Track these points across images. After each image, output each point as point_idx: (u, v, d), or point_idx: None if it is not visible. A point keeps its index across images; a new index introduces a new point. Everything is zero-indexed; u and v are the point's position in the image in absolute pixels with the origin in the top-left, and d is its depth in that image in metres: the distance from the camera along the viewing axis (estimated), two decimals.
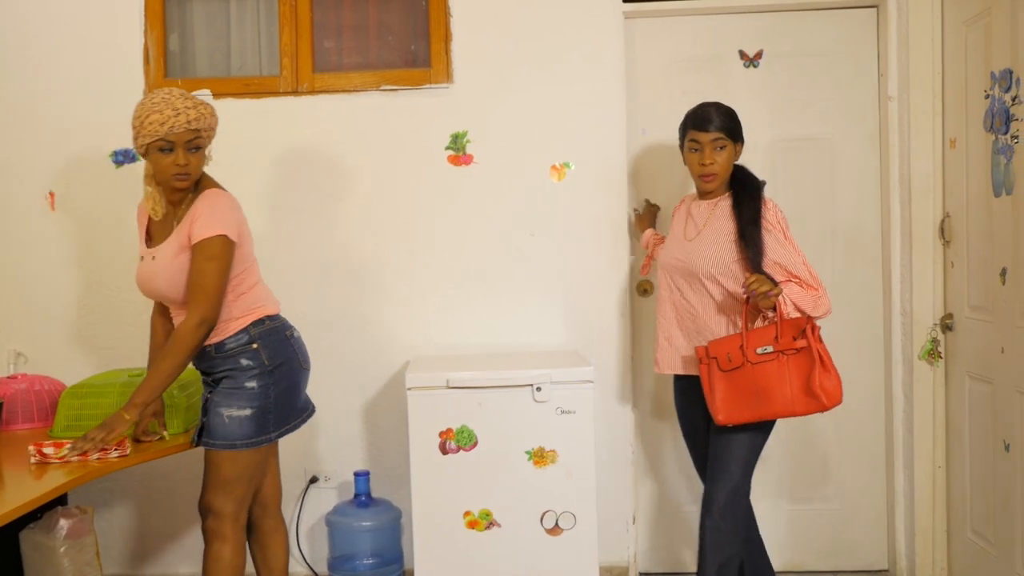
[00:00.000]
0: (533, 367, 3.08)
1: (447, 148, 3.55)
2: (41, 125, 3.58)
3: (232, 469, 2.66)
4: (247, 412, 2.65)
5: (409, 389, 3.04)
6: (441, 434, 3.03)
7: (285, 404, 2.73)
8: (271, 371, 2.68)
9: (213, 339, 2.66)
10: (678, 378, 3.04)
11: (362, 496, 3.38)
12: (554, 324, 3.56)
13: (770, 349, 2.71)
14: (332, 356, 3.55)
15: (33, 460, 2.60)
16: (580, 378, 3.05)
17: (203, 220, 2.59)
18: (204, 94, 3.51)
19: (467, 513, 3.05)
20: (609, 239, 3.53)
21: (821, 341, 2.71)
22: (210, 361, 2.70)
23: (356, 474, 3.40)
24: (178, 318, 2.71)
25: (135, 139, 2.63)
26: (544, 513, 3.05)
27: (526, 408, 3.03)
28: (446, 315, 3.57)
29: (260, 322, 2.71)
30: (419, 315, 3.57)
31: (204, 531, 2.73)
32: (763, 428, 2.83)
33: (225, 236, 2.59)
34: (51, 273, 3.60)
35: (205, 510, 2.71)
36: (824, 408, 2.69)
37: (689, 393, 2.97)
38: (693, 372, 2.91)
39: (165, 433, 2.82)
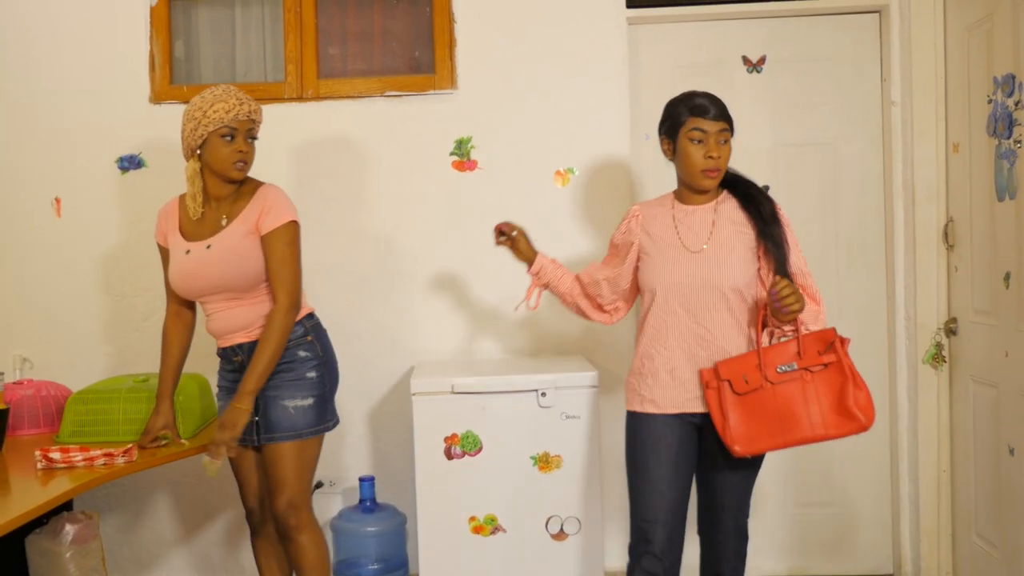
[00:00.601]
0: (538, 372, 3.09)
1: (451, 154, 3.56)
2: (47, 131, 3.60)
3: (300, 459, 2.72)
4: (310, 401, 2.73)
5: (414, 394, 3.04)
6: (446, 439, 3.04)
7: (333, 397, 2.83)
8: (325, 362, 2.79)
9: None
10: (668, 416, 2.57)
11: (367, 501, 3.38)
12: (558, 329, 3.56)
13: (794, 367, 2.40)
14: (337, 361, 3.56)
15: (40, 466, 2.61)
16: (585, 383, 3.05)
17: (276, 209, 2.70)
18: None
19: (472, 518, 3.05)
20: None
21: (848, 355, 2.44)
22: None
23: (361, 479, 3.40)
24: (235, 308, 2.71)
25: (193, 131, 2.66)
26: (549, 518, 3.06)
27: (531, 413, 3.03)
28: (450, 320, 3.58)
29: (310, 316, 2.81)
30: (423, 320, 3.58)
31: (286, 529, 2.75)
32: (759, 463, 2.61)
33: (296, 222, 2.73)
34: (57, 279, 3.61)
35: (286, 507, 2.72)
36: (863, 428, 2.38)
37: (687, 431, 2.56)
38: (701, 408, 2.52)
39: (184, 442, 2.84)
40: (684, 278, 2.52)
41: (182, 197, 2.81)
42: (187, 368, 2.94)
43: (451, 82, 3.56)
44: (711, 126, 2.52)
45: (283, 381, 2.71)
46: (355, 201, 3.58)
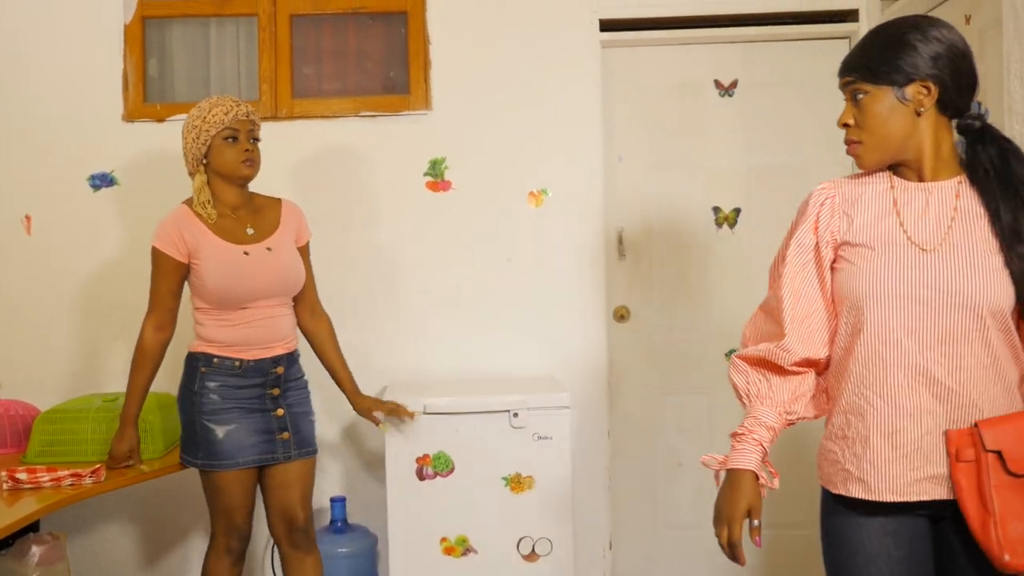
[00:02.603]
0: (510, 393, 3.09)
1: (425, 174, 3.57)
2: (19, 148, 3.57)
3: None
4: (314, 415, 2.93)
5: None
6: (418, 460, 3.04)
7: None
8: None
9: (294, 344, 2.85)
10: (881, 509, 1.75)
11: (338, 522, 3.37)
12: (531, 350, 3.57)
13: None
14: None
15: (6, 486, 2.58)
16: (557, 404, 3.06)
17: (306, 222, 2.91)
18: (183, 119, 3.52)
19: (444, 539, 3.05)
20: (586, 265, 3.55)
21: None
22: (293, 367, 2.84)
23: (332, 500, 3.38)
24: (283, 316, 2.79)
25: (196, 140, 2.70)
26: (520, 539, 3.06)
27: (503, 434, 3.03)
28: (423, 340, 3.58)
29: None
30: (396, 340, 3.58)
31: (304, 542, 2.83)
32: None
33: None
34: (26, 297, 3.57)
35: (307, 521, 2.82)
36: None
37: (919, 532, 1.75)
38: (941, 494, 1.70)
39: (143, 466, 2.80)
40: (914, 288, 1.70)
41: (188, 206, 2.74)
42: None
43: (425, 103, 3.57)
44: (841, 83, 1.82)
45: (303, 397, 2.87)
46: (328, 221, 3.57)
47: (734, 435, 1.84)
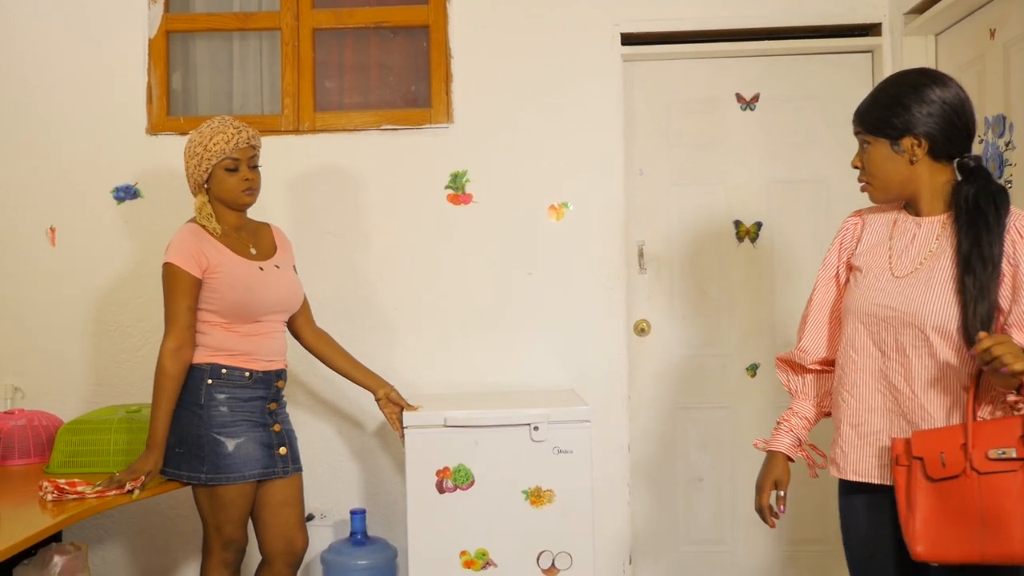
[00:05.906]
0: (530, 406, 3.08)
1: (447, 187, 3.58)
2: (43, 161, 3.60)
3: None
4: None
5: (406, 427, 3.04)
6: (438, 473, 3.03)
7: None
8: None
9: (287, 362, 2.89)
10: (859, 488, 2.11)
11: (358, 534, 3.36)
12: (551, 363, 3.57)
13: (1012, 454, 1.80)
14: (328, 393, 3.56)
15: (50, 497, 2.57)
16: (577, 418, 3.05)
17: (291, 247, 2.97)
18: None
19: (463, 552, 3.04)
20: (607, 279, 3.55)
21: None
22: (285, 385, 2.88)
23: (352, 512, 3.38)
24: (283, 332, 2.87)
25: (197, 167, 2.71)
26: (540, 553, 3.04)
27: (523, 447, 3.02)
28: (443, 353, 3.58)
29: None
30: (416, 353, 3.58)
31: (295, 565, 2.86)
32: None
33: None
34: (50, 308, 3.60)
35: (305, 546, 2.88)
36: None
37: (880, 510, 2.07)
38: (889, 481, 2.02)
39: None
40: (876, 308, 2.04)
41: (194, 225, 2.75)
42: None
43: (447, 116, 3.58)
44: (853, 130, 2.12)
45: (288, 416, 2.89)
46: (350, 234, 3.59)
47: (776, 423, 2.28)
